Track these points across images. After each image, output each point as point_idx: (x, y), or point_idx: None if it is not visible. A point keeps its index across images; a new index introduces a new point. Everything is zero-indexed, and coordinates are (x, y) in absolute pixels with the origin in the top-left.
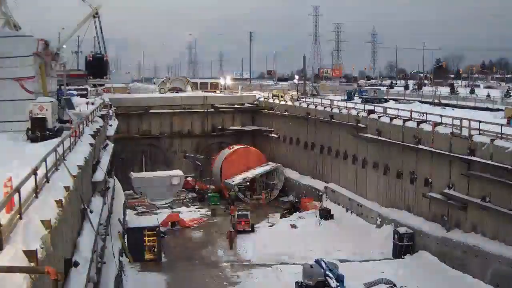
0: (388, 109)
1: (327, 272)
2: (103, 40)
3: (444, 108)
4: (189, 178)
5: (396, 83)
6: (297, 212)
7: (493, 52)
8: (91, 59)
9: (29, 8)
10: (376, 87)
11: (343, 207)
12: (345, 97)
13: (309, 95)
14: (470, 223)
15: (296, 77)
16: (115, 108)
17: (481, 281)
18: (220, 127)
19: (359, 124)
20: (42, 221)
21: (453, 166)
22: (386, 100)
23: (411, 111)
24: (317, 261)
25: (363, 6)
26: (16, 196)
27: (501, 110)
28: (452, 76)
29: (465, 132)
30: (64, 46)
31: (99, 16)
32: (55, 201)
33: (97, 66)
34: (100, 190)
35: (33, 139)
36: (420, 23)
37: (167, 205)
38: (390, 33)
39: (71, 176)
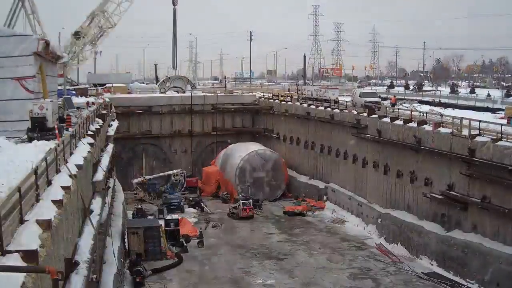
0: (388, 109)
1: None
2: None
3: (444, 108)
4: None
5: (396, 83)
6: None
7: (493, 51)
8: None
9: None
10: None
11: (343, 206)
12: None
13: None
14: (470, 223)
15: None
16: (115, 107)
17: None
18: (220, 126)
19: (359, 124)
20: (43, 221)
21: (453, 166)
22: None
23: (411, 111)
24: None
25: (363, 6)
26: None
27: (502, 110)
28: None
29: (465, 132)
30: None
31: None
32: (55, 201)
33: None
34: (100, 190)
35: (31, 140)
36: (421, 22)
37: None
38: (390, 33)
39: (71, 176)
